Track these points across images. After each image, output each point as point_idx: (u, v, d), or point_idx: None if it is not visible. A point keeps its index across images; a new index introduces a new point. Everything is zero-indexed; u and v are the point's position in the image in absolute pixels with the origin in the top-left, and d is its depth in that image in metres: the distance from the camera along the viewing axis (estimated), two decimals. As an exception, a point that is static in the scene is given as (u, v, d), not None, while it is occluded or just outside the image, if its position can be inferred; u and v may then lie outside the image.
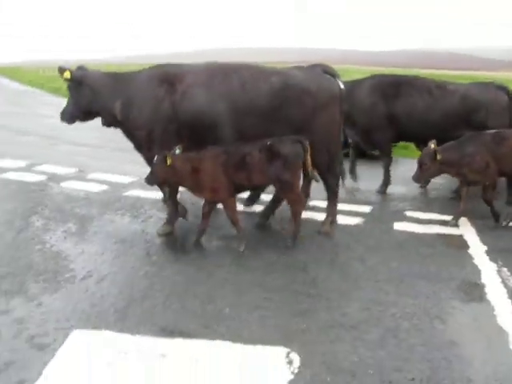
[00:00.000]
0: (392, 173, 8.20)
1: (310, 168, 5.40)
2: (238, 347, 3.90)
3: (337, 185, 6.25)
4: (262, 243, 5.90)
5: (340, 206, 6.80)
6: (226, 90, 5.43)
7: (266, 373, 3.60)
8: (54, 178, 8.47)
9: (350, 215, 6.93)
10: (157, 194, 7.12)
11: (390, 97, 7.72)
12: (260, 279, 5.04)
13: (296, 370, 3.64)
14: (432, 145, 6.23)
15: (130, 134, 5.86)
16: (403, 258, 5.64)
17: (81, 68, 6.00)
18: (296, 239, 5.67)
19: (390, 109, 7.71)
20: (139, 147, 5.90)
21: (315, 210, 7.00)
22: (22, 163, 9.42)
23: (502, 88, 7.78)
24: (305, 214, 6.16)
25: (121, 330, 4.08)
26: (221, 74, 5.55)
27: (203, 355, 3.77)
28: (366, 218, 6.87)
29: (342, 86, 5.91)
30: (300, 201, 5.53)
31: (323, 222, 6.25)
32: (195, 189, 5.46)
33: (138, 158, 6.33)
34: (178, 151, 5.30)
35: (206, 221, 5.65)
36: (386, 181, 8.14)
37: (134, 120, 5.62)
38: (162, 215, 6.65)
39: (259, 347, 3.90)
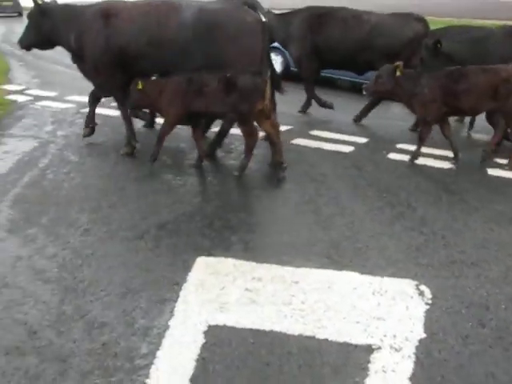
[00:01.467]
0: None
1: (266, 102, 5.50)
2: (368, 278, 3.95)
3: None
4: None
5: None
6: (146, 26, 5.91)
7: (402, 302, 3.65)
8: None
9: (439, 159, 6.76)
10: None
11: (315, 27, 8.31)
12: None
13: (430, 301, 3.61)
14: (398, 62, 6.37)
15: (81, 63, 6.51)
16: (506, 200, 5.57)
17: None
18: (243, 171, 5.86)
19: (314, 39, 8.33)
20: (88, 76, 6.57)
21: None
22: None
23: (419, 19, 8.12)
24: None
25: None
26: (145, 10, 6.01)
27: (337, 283, 3.86)
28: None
29: (263, 19, 6.01)
30: (253, 134, 5.71)
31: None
32: (159, 110, 6.17)
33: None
34: (153, 78, 6.10)
35: (161, 143, 6.09)
36: (308, 103, 9.12)
37: (82, 51, 6.28)
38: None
39: (387, 279, 3.96)
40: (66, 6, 6.53)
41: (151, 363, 3.00)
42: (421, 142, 6.68)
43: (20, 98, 9.32)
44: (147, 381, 2.87)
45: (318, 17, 8.47)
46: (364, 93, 7.00)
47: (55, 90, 10.16)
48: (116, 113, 7.40)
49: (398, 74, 6.32)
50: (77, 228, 4.59)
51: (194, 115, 5.86)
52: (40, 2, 6.49)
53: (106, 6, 6.29)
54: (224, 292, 3.66)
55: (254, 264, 4.07)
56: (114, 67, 6.19)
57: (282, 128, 6.82)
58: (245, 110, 5.50)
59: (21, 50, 7.33)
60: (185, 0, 6.30)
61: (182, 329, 3.29)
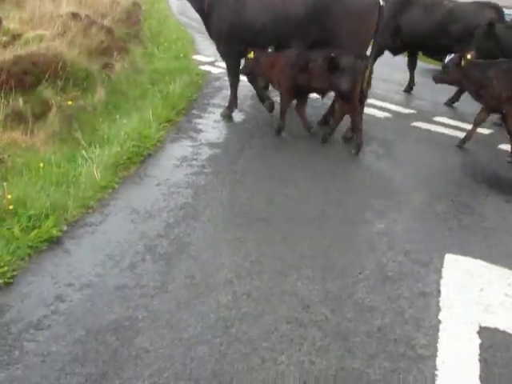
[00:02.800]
0: None
1: (366, 84, 5.94)
2: None
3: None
4: None
5: None
6: (271, 4, 6.44)
7: None
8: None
9: None
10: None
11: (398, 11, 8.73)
12: None
13: None
14: (469, 52, 6.45)
15: (208, 27, 7.12)
16: None
17: None
18: (359, 147, 6.28)
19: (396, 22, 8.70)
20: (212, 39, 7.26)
21: None
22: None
23: (493, 7, 8.20)
24: None
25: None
26: None
27: None
28: None
29: (381, 2, 6.32)
30: (355, 110, 6.15)
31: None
32: (271, 80, 6.71)
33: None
34: (269, 50, 6.55)
35: (284, 116, 6.67)
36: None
37: (212, 18, 6.91)
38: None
39: None
40: None
41: (434, 355, 3.02)
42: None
43: (213, 70, 9.64)
44: (436, 372, 2.87)
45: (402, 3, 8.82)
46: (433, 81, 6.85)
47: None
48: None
49: (463, 63, 6.28)
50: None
51: (300, 89, 6.37)
52: None
53: None
54: (484, 294, 3.58)
55: (505, 270, 4.03)
56: (235, 39, 6.71)
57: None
58: (345, 89, 5.94)
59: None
60: None
61: (454, 325, 3.26)
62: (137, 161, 5.53)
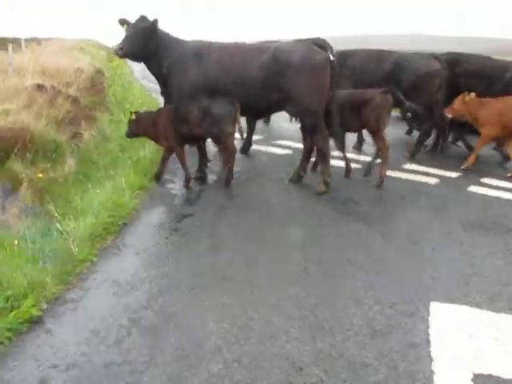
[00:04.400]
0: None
1: (238, 125, 6.80)
2: None
3: (325, 146, 6.83)
4: None
5: None
6: (231, 67, 6.74)
7: None
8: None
9: None
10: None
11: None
12: None
13: None
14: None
15: (167, 92, 7.27)
16: None
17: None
18: (228, 184, 7.07)
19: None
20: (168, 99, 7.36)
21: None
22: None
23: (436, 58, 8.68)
24: None
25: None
26: (231, 53, 6.83)
27: None
28: None
29: (331, 58, 6.63)
30: (228, 151, 7.04)
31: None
32: (155, 138, 7.19)
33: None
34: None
35: (164, 164, 7.31)
36: None
37: (172, 81, 7.07)
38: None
39: None
40: (168, 35, 7.19)
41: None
42: None
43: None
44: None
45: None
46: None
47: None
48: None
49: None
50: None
51: (184, 138, 6.99)
52: (154, 19, 7.04)
53: (199, 44, 7.07)
54: (474, 340, 3.62)
55: (491, 314, 4.08)
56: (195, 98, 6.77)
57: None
58: (217, 133, 6.75)
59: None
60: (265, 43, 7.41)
61: (448, 374, 3.28)
62: (113, 231, 5.48)
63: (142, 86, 15.54)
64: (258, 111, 7.08)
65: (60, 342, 3.63)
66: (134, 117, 7.03)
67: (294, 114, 6.66)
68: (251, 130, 9.15)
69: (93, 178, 7.12)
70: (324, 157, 6.86)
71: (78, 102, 11.23)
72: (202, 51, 6.88)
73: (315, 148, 7.11)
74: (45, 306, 4.07)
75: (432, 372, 3.32)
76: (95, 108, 11.39)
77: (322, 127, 6.76)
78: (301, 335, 3.71)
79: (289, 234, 5.50)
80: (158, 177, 7.29)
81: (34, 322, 3.85)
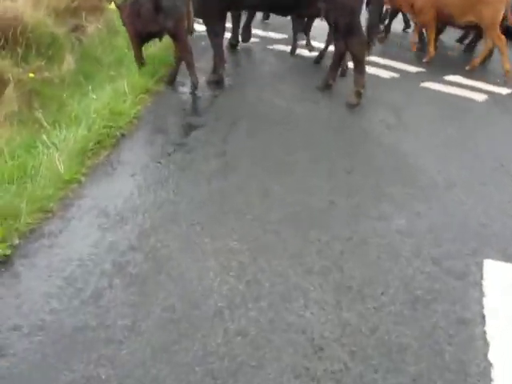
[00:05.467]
0: None
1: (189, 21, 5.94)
2: None
3: (361, 52, 5.79)
4: None
5: None
6: None
7: None
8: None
9: None
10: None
11: None
12: None
13: None
14: None
15: None
16: None
17: None
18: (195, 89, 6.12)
19: None
20: None
21: None
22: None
23: None
24: None
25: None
26: None
27: None
28: None
29: None
30: (185, 49, 6.10)
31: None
32: None
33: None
34: None
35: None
36: None
37: None
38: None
39: None
40: None
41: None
42: None
43: (199, 27, 8.54)
44: None
45: None
46: None
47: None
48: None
49: None
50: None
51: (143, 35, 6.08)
52: None
53: None
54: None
55: None
56: None
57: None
58: (171, 28, 5.83)
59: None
60: None
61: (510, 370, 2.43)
62: (108, 144, 4.67)
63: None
64: (284, 6, 5.84)
65: (27, 293, 2.95)
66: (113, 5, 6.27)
67: (326, 11, 5.44)
68: (248, 22, 8.10)
69: (94, 78, 6.16)
70: (359, 64, 5.83)
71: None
72: None
73: (348, 53, 5.97)
74: (16, 242, 3.29)
75: (489, 363, 2.50)
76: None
77: (358, 29, 5.73)
78: (322, 298, 2.96)
79: (314, 157, 4.66)
80: (170, 80, 6.45)
81: (0, 263, 3.00)
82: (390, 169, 4.48)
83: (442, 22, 7.80)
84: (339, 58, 6.23)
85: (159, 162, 4.44)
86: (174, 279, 3.08)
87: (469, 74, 7.37)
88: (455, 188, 4.24)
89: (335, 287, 3.06)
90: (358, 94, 5.89)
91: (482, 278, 3.17)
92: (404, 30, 10.15)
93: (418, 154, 4.78)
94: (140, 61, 6.40)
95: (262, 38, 8.73)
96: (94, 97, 5.27)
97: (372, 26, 5.92)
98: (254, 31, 8.61)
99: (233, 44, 8.05)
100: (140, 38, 6.15)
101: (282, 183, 4.13)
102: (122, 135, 4.89)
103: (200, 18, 6.52)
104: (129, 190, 4.01)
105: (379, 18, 6.08)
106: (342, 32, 5.79)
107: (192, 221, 3.62)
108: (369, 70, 6.67)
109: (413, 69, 7.60)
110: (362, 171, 4.39)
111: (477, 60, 7.69)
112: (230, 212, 3.72)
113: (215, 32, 6.39)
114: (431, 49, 7.92)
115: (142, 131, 5.06)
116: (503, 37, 7.17)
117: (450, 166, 4.58)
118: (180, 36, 6.05)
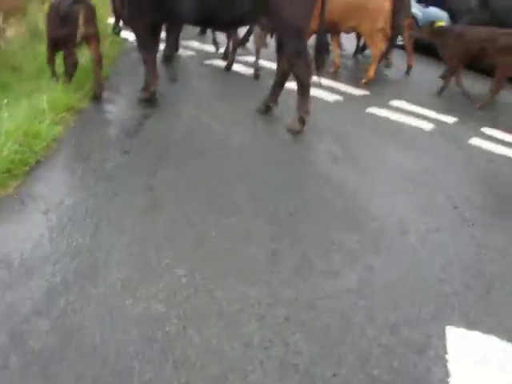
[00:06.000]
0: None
1: (81, 29, 5.48)
2: None
3: (307, 76, 5.37)
4: None
5: None
6: None
7: None
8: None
9: None
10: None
11: None
12: None
13: None
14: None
15: None
16: None
17: None
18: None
19: None
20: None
21: None
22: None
23: None
24: None
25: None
26: None
27: None
28: None
29: None
30: (71, 56, 5.68)
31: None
32: None
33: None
34: None
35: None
36: None
37: None
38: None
39: None
40: None
41: None
42: None
43: (132, 37, 7.99)
44: None
45: None
46: None
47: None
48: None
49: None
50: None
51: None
52: None
53: None
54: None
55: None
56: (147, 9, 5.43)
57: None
58: (68, 33, 5.49)
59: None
60: None
61: None
62: (19, 173, 4.00)
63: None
64: (225, 22, 5.32)
65: None
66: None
67: (271, 30, 4.98)
68: (177, 33, 7.71)
69: (12, 92, 5.43)
70: (304, 88, 5.46)
71: (9, -13, 9.12)
72: None
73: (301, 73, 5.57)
74: None
75: None
76: (32, -3, 9.28)
77: (305, 50, 5.38)
78: (264, 381, 2.39)
79: (253, 195, 4.29)
80: (96, 94, 5.89)
81: None
82: (338, 210, 4.05)
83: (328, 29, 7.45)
84: (282, 79, 5.74)
85: (77, 196, 3.77)
86: (86, 356, 2.49)
87: (412, 99, 7.10)
88: (408, 235, 3.83)
89: (279, 366, 2.56)
90: (302, 121, 5.43)
91: (445, 351, 2.71)
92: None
93: (368, 193, 4.38)
94: (52, 67, 5.95)
95: (198, 51, 8.16)
96: (6, 115, 4.52)
97: (320, 47, 5.43)
98: (191, 44, 8.06)
99: (167, 56, 7.42)
100: (52, 42, 5.77)
101: (217, 227, 3.59)
102: (37, 162, 4.23)
103: (130, 30, 5.92)
104: (39, 232, 3.37)
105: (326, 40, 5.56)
106: (287, 53, 5.26)
107: (112, 276, 3.00)
108: (312, 91, 6.27)
109: (357, 92, 7.23)
110: (308, 213, 3.89)
111: (370, 72, 7.96)
112: (157, 265, 3.13)
113: (146, 47, 5.66)
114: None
115: (60, 157, 4.43)
116: (381, 46, 7.81)
117: (402, 207, 4.20)
118: (67, 44, 5.68)
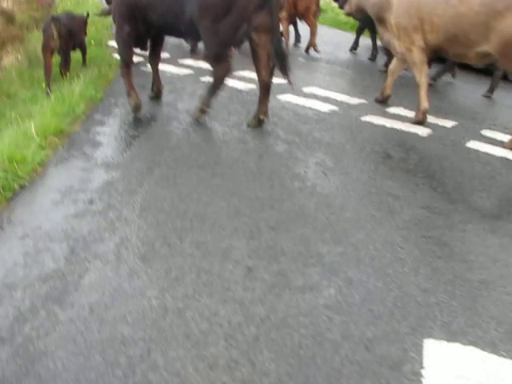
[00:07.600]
0: None
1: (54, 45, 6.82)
2: None
3: (220, 78, 5.69)
4: None
5: None
6: None
7: None
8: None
9: None
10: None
11: None
12: None
13: None
14: None
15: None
16: None
17: None
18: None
19: None
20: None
21: None
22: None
23: None
24: None
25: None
26: None
27: None
28: None
29: None
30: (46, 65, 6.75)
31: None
32: None
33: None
34: None
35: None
36: None
37: None
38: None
39: None
40: None
41: None
42: None
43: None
44: None
45: None
46: None
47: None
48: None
49: None
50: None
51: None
52: None
53: None
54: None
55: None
56: (127, 17, 5.92)
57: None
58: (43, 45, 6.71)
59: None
60: None
61: None
62: (1, 199, 3.92)
63: (99, 1, 13.35)
64: (176, 29, 5.81)
65: None
66: None
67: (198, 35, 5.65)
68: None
69: (5, 117, 5.43)
70: (216, 88, 5.84)
71: (11, 17, 9.29)
72: None
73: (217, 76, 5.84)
74: None
75: None
76: (32, 26, 9.42)
77: (224, 57, 5.65)
78: None
79: (236, 210, 4.24)
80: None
81: None
82: (322, 223, 3.92)
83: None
84: (264, 89, 5.75)
85: (55, 221, 3.72)
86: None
87: (411, 106, 6.94)
88: (394, 244, 3.64)
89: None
90: (202, 111, 5.93)
91: (421, 366, 2.56)
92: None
93: (356, 205, 4.21)
94: (47, 78, 6.80)
95: (195, 69, 8.15)
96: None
97: (279, 54, 5.63)
98: (186, 62, 8.07)
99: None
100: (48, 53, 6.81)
101: (196, 246, 3.51)
102: (21, 187, 4.17)
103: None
104: (14, 258, 3.32)
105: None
106: (208, 58, 5.76)
107: (82, 300, 2.94)
108: (305, 102, 6.18)
109: (354, 101, 7.12)
110: (289, 227, 3.79)
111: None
112: (129, 287, 3.07)
113: (124, 60, 6.16)
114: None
115: (44, 182, 4.40)
116: (315, 22, 10.40)
117: (390, 221, 4.00)
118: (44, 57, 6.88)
